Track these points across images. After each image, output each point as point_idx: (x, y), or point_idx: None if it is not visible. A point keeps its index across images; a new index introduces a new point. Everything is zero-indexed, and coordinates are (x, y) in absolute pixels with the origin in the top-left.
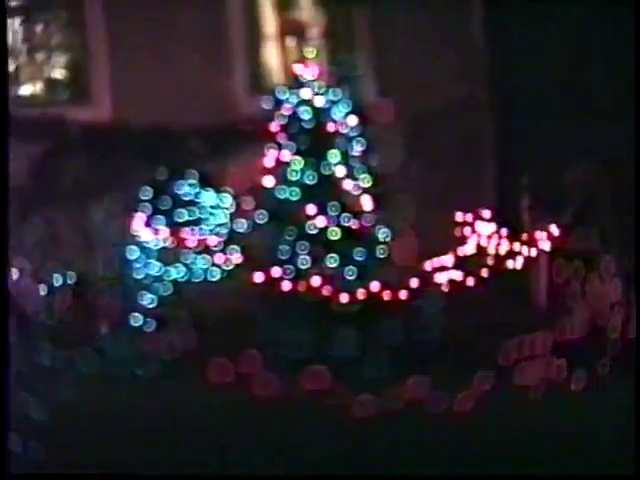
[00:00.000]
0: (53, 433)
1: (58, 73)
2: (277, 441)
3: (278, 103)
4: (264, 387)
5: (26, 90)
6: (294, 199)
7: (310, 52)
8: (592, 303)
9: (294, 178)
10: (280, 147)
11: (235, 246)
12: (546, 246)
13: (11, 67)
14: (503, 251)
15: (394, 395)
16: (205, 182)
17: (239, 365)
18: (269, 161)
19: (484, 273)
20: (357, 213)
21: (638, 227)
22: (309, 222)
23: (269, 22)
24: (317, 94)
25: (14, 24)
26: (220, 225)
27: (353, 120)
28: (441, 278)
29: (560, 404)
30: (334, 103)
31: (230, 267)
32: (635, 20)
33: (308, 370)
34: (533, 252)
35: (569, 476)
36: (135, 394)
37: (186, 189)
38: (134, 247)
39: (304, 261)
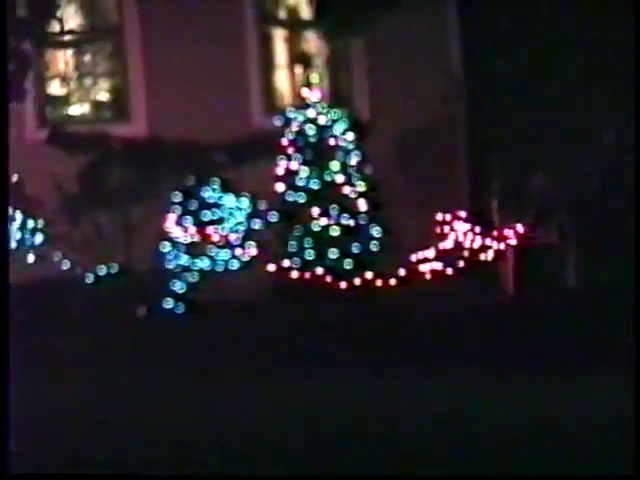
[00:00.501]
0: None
1: (102, 96)
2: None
3: (288, 121)
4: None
5: (76, 110)
6: (301, 202)
7: (314, 78)
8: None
9: (301, 184)
10: (289, 158)
11: (251, 241)
12: (513, 241)
13: (63, 91)
14: (477, 246)
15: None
16: (226, 187)
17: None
18: (280, 170)
19: (461, 264)
20: (354, 214)
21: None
22: (314, 221)
23: (280, 54)
24: (320, 114)
25: (66, 55)
26: (239, 224)
27: (350, 136)
28: (424, 268)
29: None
30: (334, 121)
31: (247, 259)
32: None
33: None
34: (502, 246)
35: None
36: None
37: (210, 193)
38: (167, 242)
39: (309, 254)
